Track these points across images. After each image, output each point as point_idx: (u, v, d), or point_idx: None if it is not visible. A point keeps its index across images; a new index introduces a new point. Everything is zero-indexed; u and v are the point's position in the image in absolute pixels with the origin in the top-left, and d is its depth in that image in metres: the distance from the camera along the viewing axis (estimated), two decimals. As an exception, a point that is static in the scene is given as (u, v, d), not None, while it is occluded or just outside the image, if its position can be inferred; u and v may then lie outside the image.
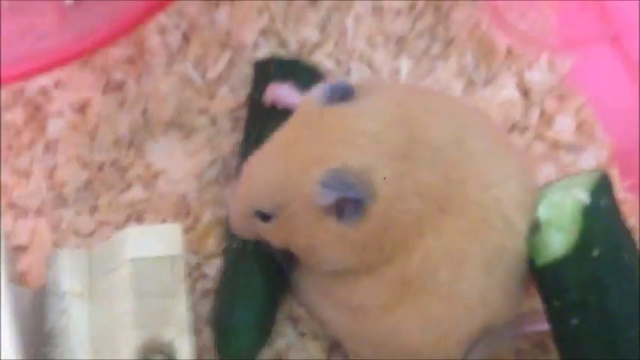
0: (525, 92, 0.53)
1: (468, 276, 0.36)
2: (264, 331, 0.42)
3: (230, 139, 0.49)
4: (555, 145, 0.51)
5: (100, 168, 0.48)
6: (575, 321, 0.35)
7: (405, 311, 0.37)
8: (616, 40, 0.51)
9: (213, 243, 0.46)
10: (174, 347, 0.28)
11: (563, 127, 0.52)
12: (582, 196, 0.34)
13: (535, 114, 0.52)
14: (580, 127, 0.52)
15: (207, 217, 0.47)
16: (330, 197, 0.32)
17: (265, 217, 0.35)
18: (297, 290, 0.43)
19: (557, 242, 0.35)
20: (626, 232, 0.36)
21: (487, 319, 0.37)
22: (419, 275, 0.36)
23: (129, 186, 0.48)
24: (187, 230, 0.46)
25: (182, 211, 0.47)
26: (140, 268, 0.29)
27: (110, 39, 0.40)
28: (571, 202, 0.35)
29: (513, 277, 0.37)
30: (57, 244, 0.44)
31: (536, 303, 0.40)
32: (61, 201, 0.47)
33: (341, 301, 0.39)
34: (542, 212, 0.36)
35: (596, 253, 0.34)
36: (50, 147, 0.48)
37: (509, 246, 0.36)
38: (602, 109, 0.52)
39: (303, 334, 0.45)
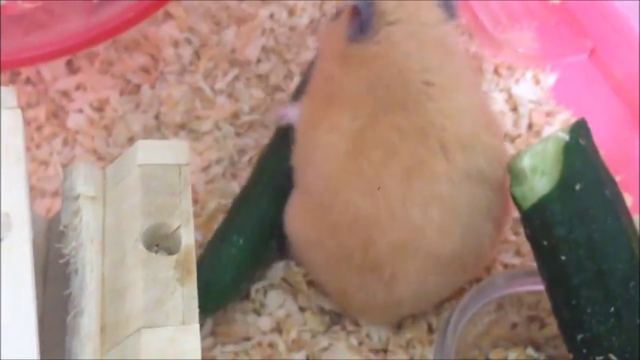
0: (514, 107, 0.57)
1: (391, 170, 0.38)
2: (239, 269, 0.45)
3: (234, 142, 0.52)
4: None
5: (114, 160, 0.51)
6: (563, 257, 0.36)
7: (345, 196, 0.39)
8: (593, 53, 0.56)
9: (216, 226, 0.48)
10: (179, 235, 0.29)
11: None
12: (562, 135, 0.37)
13: (524, 125, 0.56)
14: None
15: (212, 205, 0.49)
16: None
17: (337, 14, 0.45)
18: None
19: (542, 183, 0.36)
20: (606, 171, 0.37)
21: (413, 239, 0.39)
22: (359, 145, 0.39)
23: (140, 177, 0.50)
24: (195, 216, 0.48)
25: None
26: (149, 172, 0.31)
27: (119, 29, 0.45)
28: (552, 144, 0.37)
29: (445, 206, 0.39)
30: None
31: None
32: (75, 187, 0.49)
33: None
34: (527, 161, 0.37)
35: (578, 187, 0.36)
36: (69, 140, 0.51)
37: (437, 170, 0.38)
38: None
39: (303, 309, 0.45)
